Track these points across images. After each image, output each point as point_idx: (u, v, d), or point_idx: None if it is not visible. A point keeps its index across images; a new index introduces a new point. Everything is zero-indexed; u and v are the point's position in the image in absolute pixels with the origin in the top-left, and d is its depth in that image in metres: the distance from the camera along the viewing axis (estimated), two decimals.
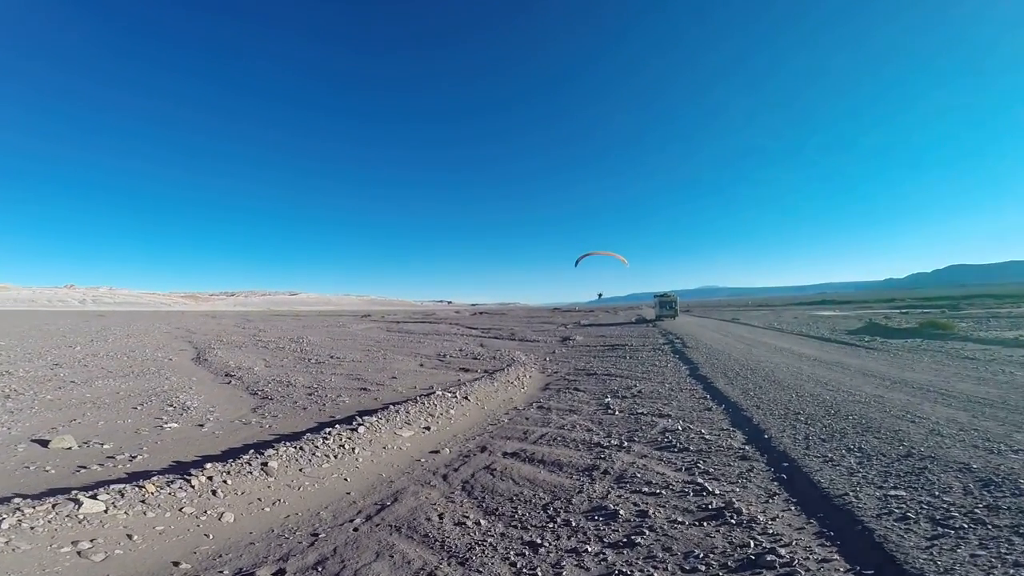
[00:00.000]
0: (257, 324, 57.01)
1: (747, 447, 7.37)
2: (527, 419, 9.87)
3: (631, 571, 4.12)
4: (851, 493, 5.38)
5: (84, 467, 7.05)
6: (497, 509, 5.58)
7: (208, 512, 5.44)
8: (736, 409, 9.73)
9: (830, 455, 6.70)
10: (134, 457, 7.53)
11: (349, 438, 7.70)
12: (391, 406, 9.96)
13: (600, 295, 43.10)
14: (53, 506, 4.91)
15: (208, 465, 6.26)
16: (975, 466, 5.98)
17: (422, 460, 7.56)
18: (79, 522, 4.80)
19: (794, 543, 4.39)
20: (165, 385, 13.89)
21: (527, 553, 4.52)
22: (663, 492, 5.74)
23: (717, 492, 5.61)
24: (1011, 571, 3.76)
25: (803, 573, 3.92)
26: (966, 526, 4.51)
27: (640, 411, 9.95)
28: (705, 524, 4.87)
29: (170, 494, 5.48)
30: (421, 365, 18.51)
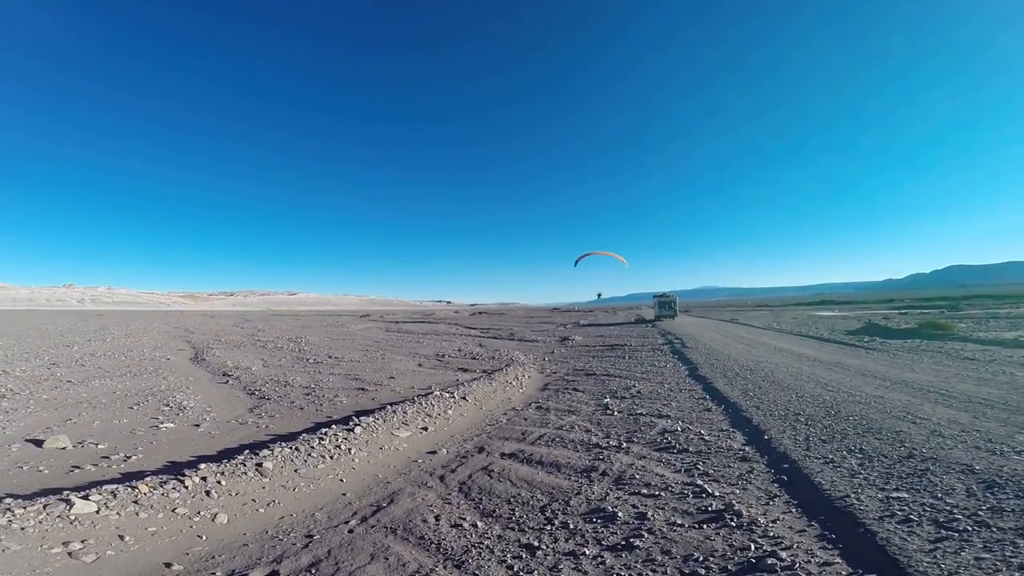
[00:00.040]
0: (256, 324, 56.91)
1: (747, 448, 7.30)
2: (525, 420, 9.80)
3: (629, 575, 4.06)
4: (853, 495, 5.32)
5: (78, 467, 6.98)
6: (494, 511, 5.51)
7: (201, 513, 5.38)
8: (736, 410, 9.66)
9: (831, 456, 6.63)
10: (129, 457, 7.46)
11: (345, 438, 7.63)
12: (388, 406, 9.89)
13: (599, 295, 43.04)
14: (44, 506, 4.86)
15: (202, 465, 6.20)
16: (978, 468, 5.92)
17: (419, 461, 7.48)
18: (70, 523, 4.75)
19: (795, 546, 4.33)
20: (162, 385, 13.82)
21: (524, 556, 4.45)
22: (662, 494, 5.67)
23: (717, 494, 5.54)
24: (1016, 575, 3.71)
25: None
26: (970, 529, 4.45)
27: (639, 412, 9.88)
28: (705, 527, 4.80)
29: (163, 495, 5.43)
30: (419, 365, 18.44)
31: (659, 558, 4.27)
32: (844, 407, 9.33)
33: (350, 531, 5.20)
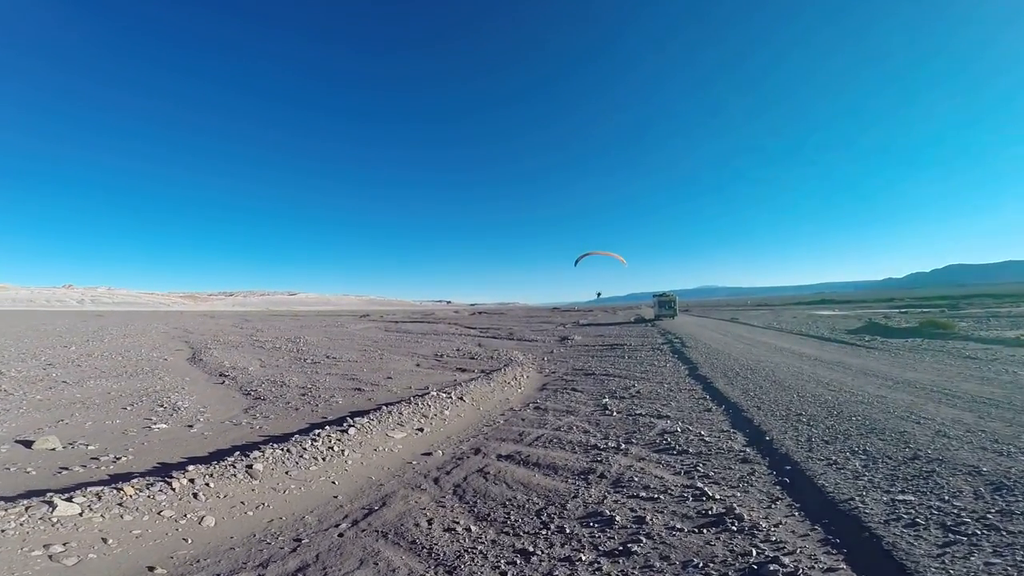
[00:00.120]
0: (255, 324, 56.81)
1: (748, 449, 7.14)
2: (523, 420, 9.66)
3: None
4: (857, 498, 5.17)
5: (66, 468, 6.87)
6: (489, 514, 5.37)
7: (188, 516, 5.26)
8: (736, 410, 9.52)
9: (834, 458, 6.48)
10: (118, 459, 7.35)
11: (339, 440, 7.50)
12: (384, 407, 9.76)
13: (599, 294, 42.93)
14: (26, 508, 4.75)
15: (191, 467, 6.07)
16: (985, 469, 5.78)
17: (414, 463, 7.34)
18: (52, 525, 4.64)
19: (798, 551, 4.18)
20: (158, 385, 13.70)
21: (518, 562, 4.31)
22: (661, 497, 5.52)
23: (717, 497, 5.39)
24: None
25: None
26: (979, 532, 4.31)
27: (638, 412, 9.74)
28: (705, 531, 4.64)
29: (149, 497, 5.31)
30: (418, 365, 18.32)
31: (657, 564, 4.13)
32: (846, 407, 9.18)
33: (340, 535, 5.06)
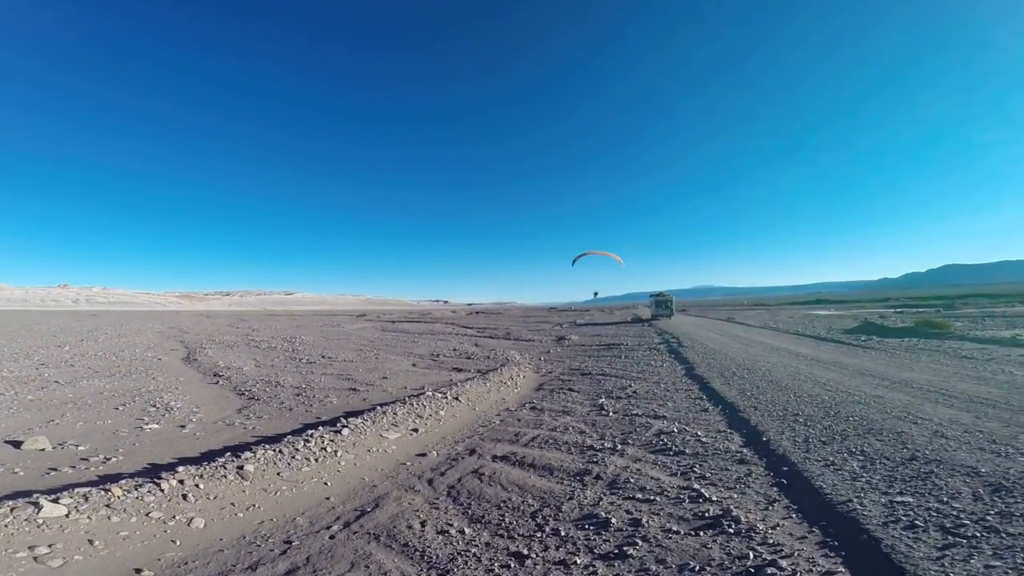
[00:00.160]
0: (251, 324, 56.61)
1: (745, 450, 7.09)
2: (519, 420, 9.59)
3: None
4: (855, 500, 5.11)
5: (55, 469, 6.78)
6: (483, 517, 5.30)
7: (177, 517, 5.18)
8: (733, 410, 9.46)
9: (831, 459, 6.42)
10: (108, 459, 7.26)
11: (332, 440, 7.41)
12: (378, 407, 9.68)
13: (596, 294, 42.92)
14: (11, 510, 4.68)
15: (180, 468, 5.99)
16: (983, 470, 5.73)
17: (408, 464, 7.26)
18: (38, 526, 4.57)
19: (796, 554, 4.12)
20: (151, 385, 13.58)
21: (512, 565, 4.24)
22: (657, 499, 5.45)
23: (714, 499, 5.33)
24: None
25: None
26: (978, 534, 4.26)
27: (635, 412, 9.68)
28: (701, 533, 4.58)
29: (137, 498, 5.24)
30: (414, 365, 18.23)
31: (653, 568, 4.06)
32: (843, 407, 9.14)
33: (331, 537, 4.98)
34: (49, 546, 4.38)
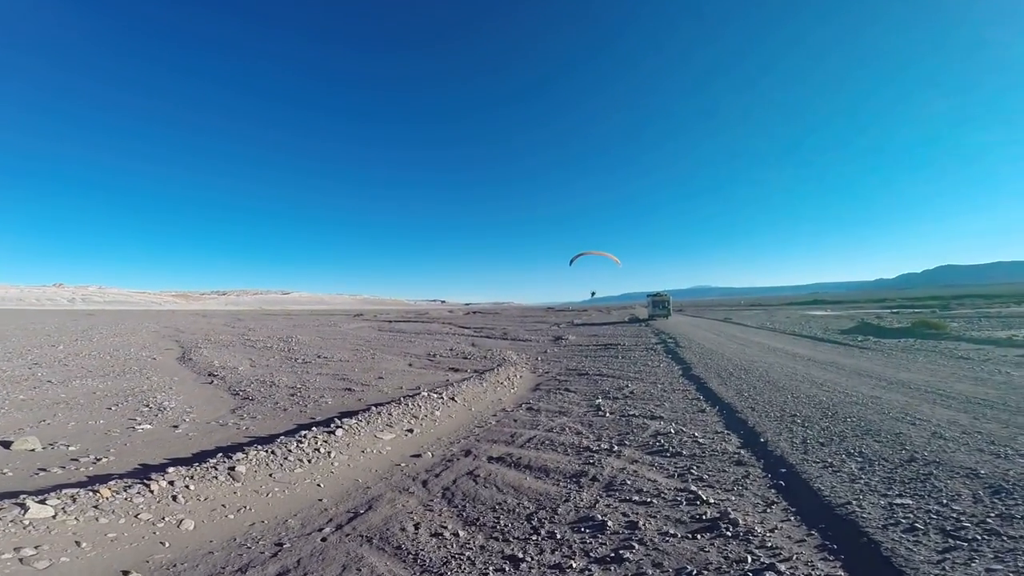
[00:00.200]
0: (247, 323, 56.41)
1: (742, 451, 7.02)
2: (515, 421, 9.52)
3: None
4: (854, 502, 5.05)
5: (44, 469, 6.69)
6: (478, 519, 5.22)
7: (166, 519, 5.09)
8: (730, 411, 9.41)
9: (830, 460, 6.36)
10: (99, 460, 7.17)
11: (325, 441, 7.32)
12: (373, 407, 9.58)
13: (593, 294, 42.93)
14: None
15: (171, 469, 5.91)
16: (983, 472, 5.68)
17: (402, 465, 7.18)
18: (24, 528, 4.48)
19: (795, 558, 4.06)
20: (145, 385, 13.48)
21: (507, 569, 4.17)
22: (654, 501, 5.38)
23: (711, 501, 5.26)
24: None
25: None
26: (979, 537, 4.20)
27: (631, 413, 9.62)
28: (699, 536, 4.51)
29: (126, 499, 5.15)
30: (410, 365, 18.14)
31: (650, 572, 3.99)
32: (841, 408, 9.09)
33: (323, 539, 4.90)
34: (35, 547, 4.29)
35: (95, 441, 8.16)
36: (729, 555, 4.16)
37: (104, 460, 7.16)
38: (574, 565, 4.15)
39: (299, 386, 13.40)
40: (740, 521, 4.72)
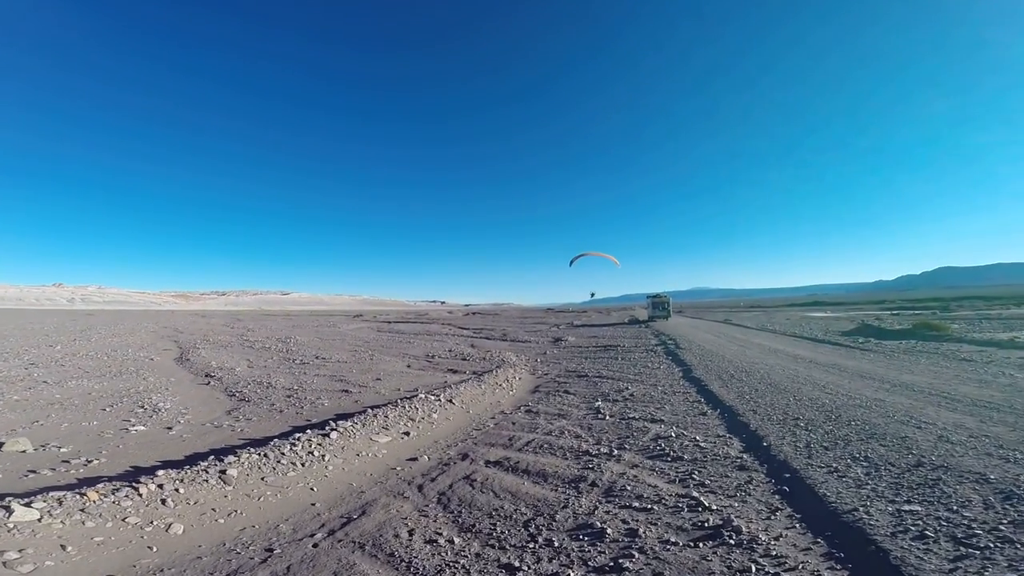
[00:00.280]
0: (246, 324, 56.31)
1: (745, 456, 6.87)
2: (514, 424, 9.38)
3: None
4: (861, 508, 4.90)
5: (34, 471, 6.57)
6: (474, 525, 5.08)
7: (155, 523, 4.98)
8: (732, 414, 9.27)
9: (835, 465, 6.21)
10: (90, 462, 7.05)
11: (320, 444, 7.18)
12: (369, 410, 9.44)
13: (593, 295, 42.84)
14: None
15: (160, 472, 5.78)
16: (993, 477, 5.53)
17: (398, 469, 7.04)
18: (9, 531, 4.38)
19: (800, 567, 3.93)
20: (141, 386, 13.35)
21: None
22: (655, 507, 5.23)
23: (714, 507, 5.11)
24: None
25: None
26: (992, 545, 4.06)
27: (631, 416, 9.48)
28: (701, 545, 4.37)
29: (114, 503, 5.04)
30: (408, 366, 18.01)
31: None
32: (845, 411, 8.95)
33: (314, 545, 4.77)
34: (19, 551, 4.20)
35: (87, 443, 8.04)
36: (732, 564, 4.02)
37: (95, 462, 7.04)
38: (572, 574, 4.01)
39: (296, 387, 13.28)
40: (743, 528, 4.58)
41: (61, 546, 4.38)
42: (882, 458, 6.37)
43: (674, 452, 7.13)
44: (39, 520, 4.57)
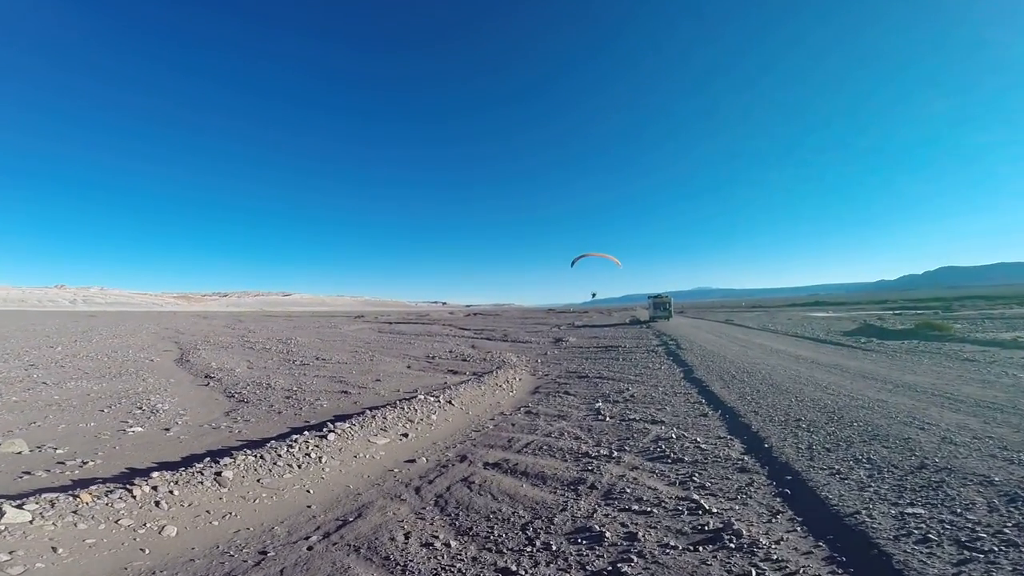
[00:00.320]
0: (247, 325, 56.31)
1: (746, 458, 6.80)
2: (513, 425, 9.31)
3: None
4: (863, 511, 4.83)
5: (29, 473, 6.55)
6: (471, 528, 5.01)
7: (148, 525, 4.93)
8: (733, 415, 9.20)
9: (837, 467, 6.14)
10: (85, 463, 7.02)
11: (317, 446, 7.12)
12: (368, 411, 9.38)
13: (594, 295, 42.70)
14: None
15: (155, 474, 5.73)
16: (997, 479, 5.46)
17: (395, 471, 6.98)
18: (0, 533, 4.34)
19: (802, 571, 3.86)
20: (140, 387, 13.32)
21: None
22: (654, 510, 5.16)
23: (714, 510, 5.04)
24: None
25: None
26: (996, 548, 3.99)
27: (632, 417, 9.41)
28: (701, 549, 4.30)
29: (107, 504, 5.00)
30: (408, 367, 17.96)
31: None
32: (847, 412, 8.87)
33: (309, 548, 4.71)
34: (10, 553, 4.16)
35: (84, 444, 8.00)
36: (733, 568, 3.95)
37: (91, 463, 7.01)
38: None
39: (295, 388, 13.23)
40: (744, 532, 4.51)
41: (52, 548, 4.35)
42: (885, 460, 6.30)
43: (675, 454, 7.06)
44: (30, 522, 4.53)
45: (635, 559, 4.18)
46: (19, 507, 4.66)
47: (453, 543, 4.68)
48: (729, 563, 4.04)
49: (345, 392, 12.71)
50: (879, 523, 4.57)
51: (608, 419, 9.34)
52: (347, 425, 8.19)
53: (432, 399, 10.54)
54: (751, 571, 3.87)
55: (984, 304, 58.51)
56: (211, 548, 4.78)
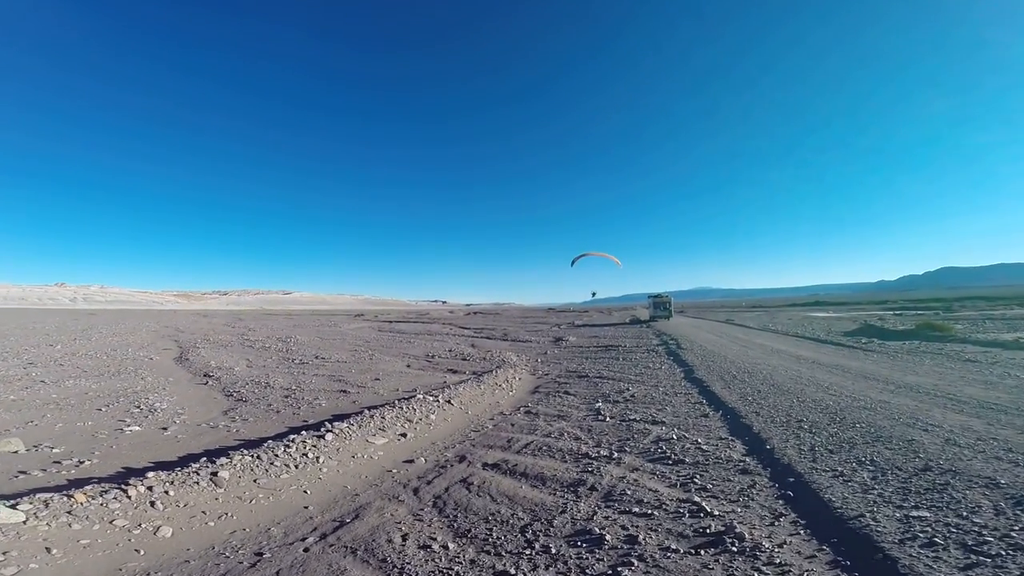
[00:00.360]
0: (247, 323, 56.29)
1: (748, 459, 6.72)
2: (512, 426, 9.25)
3: None
4: (868, 514, 4.76)
5: (24, 472, 6.50)
6: (469, 530, 4.95)
7: (143, 525, 4.88)
8: (734, 416, 9.13)
9: (840, 469, 6.07)
10: (82, 462, 6.97)
11: (314, 446, 7.06)
12: (366, 410, 9.32)
13: (594, 294, 42.64)
14: None
15: (150, 474, 5.66)
16: (1003, 481, 5.39)
17: (394, 471, 6.91)
18: None
19: (805, 575, 3.79)
20: (138, 385, 13.27)
21: None
22: (655, 513, 5.09)
23: (716, 513, 4.97)
24: None
25: None
26: (1003, 553, 3.93)
27: (632, 417, 9.34)
28: (702, 552, 4.23)
29: (102, 504, 4.94)
30: (408, 366, 17.91)
31: None
32: (849, 413, 8.80)
33: (305, 550, 4.65)
34: (3, 554, 4.11)
35: (81, 443, 7.95)
36: (735, 573, 3.89)
37: (87, 463, 6.96)
38: None
39: (294, 387, 13.18)
40: (746, 535, 4.44)
41: (46, 548, 4.29)
42: (888, 462, 6.23)
43: (675, 455, 6.99)
44: (24, 522, 4.48)
45: (636, 563, 4.11)
46: (13, 507, 4.60)
47: (451, 545, 4.62)
48: (731, 567, 3.97)
49: (344, 391, 12.66)
50: (884, 526, 4.50)
51: (608, 419, 9.28)
52: (345, 425, 8.12)
53: (431, 399, 10.48)
54: (753, 575, 3.80)
55: (984, 305, 58.40)
56: (206, 549, 4.72)
